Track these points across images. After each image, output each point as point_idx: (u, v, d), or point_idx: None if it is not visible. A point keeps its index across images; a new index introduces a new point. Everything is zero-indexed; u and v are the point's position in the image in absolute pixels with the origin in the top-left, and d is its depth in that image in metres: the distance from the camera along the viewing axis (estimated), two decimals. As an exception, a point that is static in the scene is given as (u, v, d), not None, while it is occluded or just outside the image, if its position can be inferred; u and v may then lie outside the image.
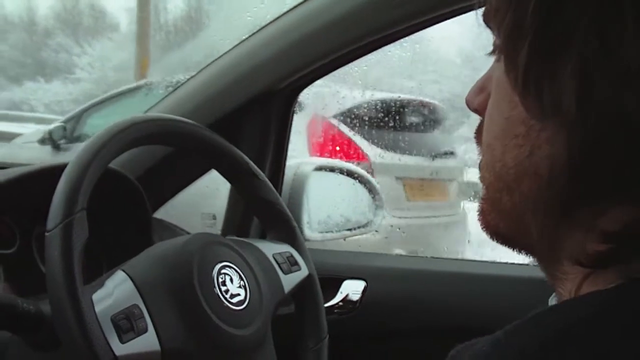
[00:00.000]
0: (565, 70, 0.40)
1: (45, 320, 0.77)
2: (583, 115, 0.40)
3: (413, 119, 3.01)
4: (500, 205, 0.48)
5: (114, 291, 0.77)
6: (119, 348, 0.73)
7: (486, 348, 0.42)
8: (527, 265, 1.30)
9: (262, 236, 1.08)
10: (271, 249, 0.98)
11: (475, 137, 0.52)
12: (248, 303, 0.86)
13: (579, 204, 0.42)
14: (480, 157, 0.50)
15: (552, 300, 0.50)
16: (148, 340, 0.76)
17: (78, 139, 4.67)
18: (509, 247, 0.50)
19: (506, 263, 1.34)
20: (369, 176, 1.46)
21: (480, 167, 0.50)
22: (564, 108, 0.40)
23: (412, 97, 3.02)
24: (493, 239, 0.50)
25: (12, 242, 0.99)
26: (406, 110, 2.91)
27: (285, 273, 0.97)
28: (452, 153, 3.35)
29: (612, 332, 0.39)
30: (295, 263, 0.99)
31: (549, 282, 0.48)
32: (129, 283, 0.79)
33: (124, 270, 0.81)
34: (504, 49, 0.44)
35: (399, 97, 2.80)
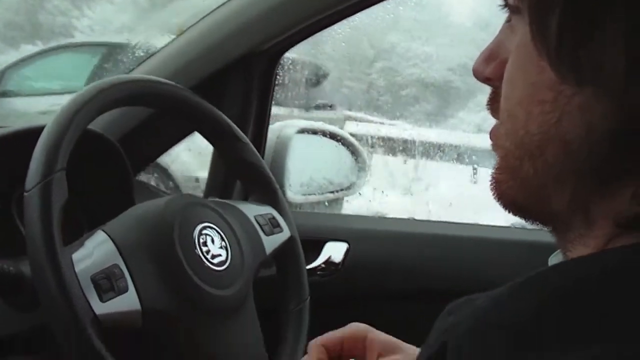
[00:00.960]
0: (608, 36, 0.37)
1: (25, 281, 0.77)
2: (632, 84, 0.37)
3: (296, 76, 3.11)
4: (520, 173, 0.45)
5: (94, 251, 0.77)
6: (99, 307, 0.73)
7: (486, 304, 0.41)
8: (510, 227, 1.31)
9: (245, 198, 1.08)
10: (253, 210, 0.98)
11: (488, 107, 0.49)
12: (229, 264, 0.86)
13: (622, 173, 0.40)
14: (497, 126, 0.47)
15: (553, 261, 0.49)
16: (128, 300, 0.76)
17: (2, 95, 4.89)
18: (522, 217, 0.48)
19: (489, 225, 1.35)
20: (352, 139, 1.46)
21: (496, 136, 0.47)
22: (606, 75, 0.38)
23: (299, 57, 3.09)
24: (507, 210, 0.48)
25: (-8, 204, 0.98)
26: (289, 68, 3.00)
27: (267, 234, 0.97)
28: (330, 106, 3.57)
29: (617, 291, 0.37)
30: (277, 225, 0.99)
31: (561, 248, 0.46)
32: (110, 243, 0.79)
33: (104, 231, 0.81)
34: (530, 16, 0.41)
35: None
